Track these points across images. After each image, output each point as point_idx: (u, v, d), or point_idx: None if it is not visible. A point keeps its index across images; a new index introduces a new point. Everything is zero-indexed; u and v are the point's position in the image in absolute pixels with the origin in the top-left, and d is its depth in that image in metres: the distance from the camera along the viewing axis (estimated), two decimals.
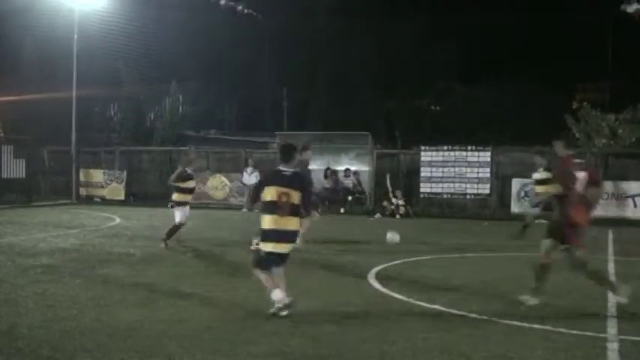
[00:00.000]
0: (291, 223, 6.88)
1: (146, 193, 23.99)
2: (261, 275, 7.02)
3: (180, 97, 30.59)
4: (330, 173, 21.76)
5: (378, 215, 19.80)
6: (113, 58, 29.44)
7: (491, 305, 7.64)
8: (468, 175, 20.67)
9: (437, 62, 41.35)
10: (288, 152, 7.15)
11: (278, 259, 6.95)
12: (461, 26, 40.72)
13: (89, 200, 23.92)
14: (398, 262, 10.84)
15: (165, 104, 29.81)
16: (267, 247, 6.89)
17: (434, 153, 21.16)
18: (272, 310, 6.86)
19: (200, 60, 32.02)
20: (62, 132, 25.89)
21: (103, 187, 24.26)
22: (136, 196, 23.96)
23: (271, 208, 6.83)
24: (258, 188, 7.19)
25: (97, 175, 24.53)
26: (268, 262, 6.94)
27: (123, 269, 9.81)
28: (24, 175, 22.86)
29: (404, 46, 41.27)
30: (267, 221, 6.86)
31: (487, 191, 20.60)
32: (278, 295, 6.84)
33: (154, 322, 6.69)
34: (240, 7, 37.98)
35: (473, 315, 7.10)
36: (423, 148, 21.50)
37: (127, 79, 30.26)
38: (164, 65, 29.52)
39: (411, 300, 7.83)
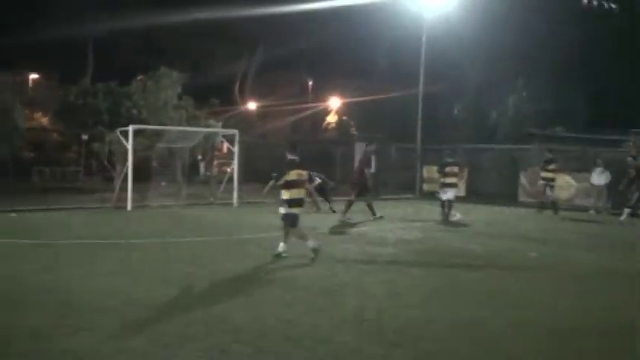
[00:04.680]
0: None
1: (486, 191, 23.65)
2: None
3: (526, 93, 29.81)
4: None
5: None
6: (458, 57, 29.81)
7: None
8: None
9: None
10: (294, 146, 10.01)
11: None
12: None
13: (430, 195, 24.53)
14: None
15: (510, 101, 29.29)
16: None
17: None
18: None
19: (548, 56, 30.48)
20: (409, 130, 27.06)
21: None
22: (476, 194, 23.81)
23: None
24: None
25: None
26: None
27: (464, 264, 9.77)
28: (374, 170, 24.40)
29: None
30: None
31: None
32: None
33: (496, 320, 6.49)
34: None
35: None
36: None
37: (471, 77, 30.45)
38: (509, 62, 28.93)
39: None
